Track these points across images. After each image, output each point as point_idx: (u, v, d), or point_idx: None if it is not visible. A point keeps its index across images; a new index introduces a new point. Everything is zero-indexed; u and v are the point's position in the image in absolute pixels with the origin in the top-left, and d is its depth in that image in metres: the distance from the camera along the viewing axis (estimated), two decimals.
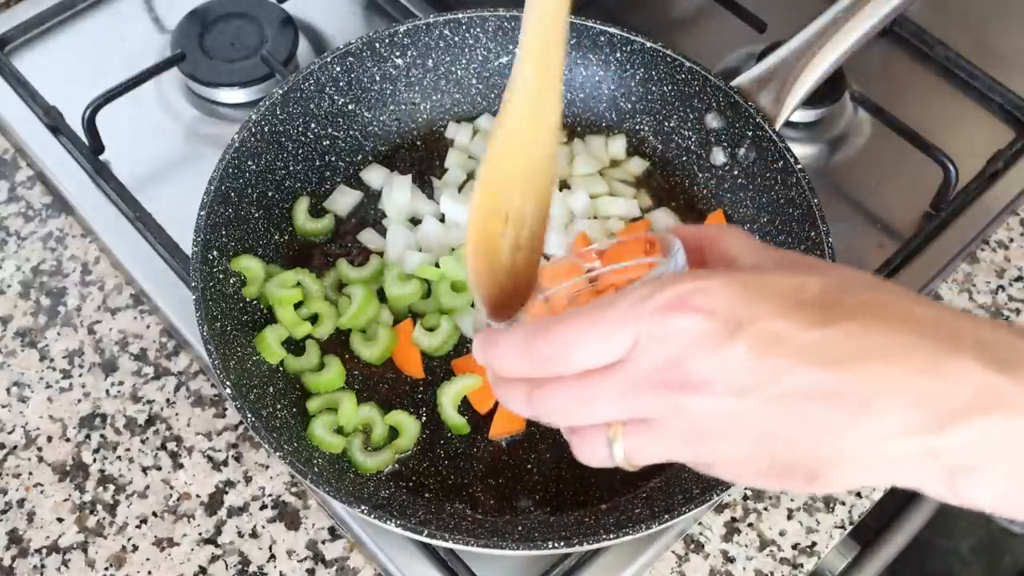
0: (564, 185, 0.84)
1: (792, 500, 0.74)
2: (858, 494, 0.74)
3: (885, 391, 0.41)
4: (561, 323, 0.46)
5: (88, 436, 0.75)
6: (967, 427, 0.41)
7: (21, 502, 0.72)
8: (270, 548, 0.71)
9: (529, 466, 0.72)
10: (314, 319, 0.76)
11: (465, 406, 0.74)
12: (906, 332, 0.42)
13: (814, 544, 0.72)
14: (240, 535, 0.71)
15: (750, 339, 0.42)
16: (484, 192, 0.52)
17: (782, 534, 0.73)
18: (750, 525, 0.73)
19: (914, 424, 0.41)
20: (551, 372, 0.46)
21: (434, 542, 0.63)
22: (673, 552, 0.72)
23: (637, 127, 0.86)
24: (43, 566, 0.70)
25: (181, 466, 0.74)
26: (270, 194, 0.79)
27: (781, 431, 0.43)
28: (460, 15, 0.83)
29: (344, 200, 0.82)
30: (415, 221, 0.82)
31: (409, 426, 0.72)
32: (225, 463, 0.74)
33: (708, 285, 0.43)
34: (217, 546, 0.71)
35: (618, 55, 0.84)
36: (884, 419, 0.41)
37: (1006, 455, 0.41)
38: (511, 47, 0.85)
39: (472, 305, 0.78)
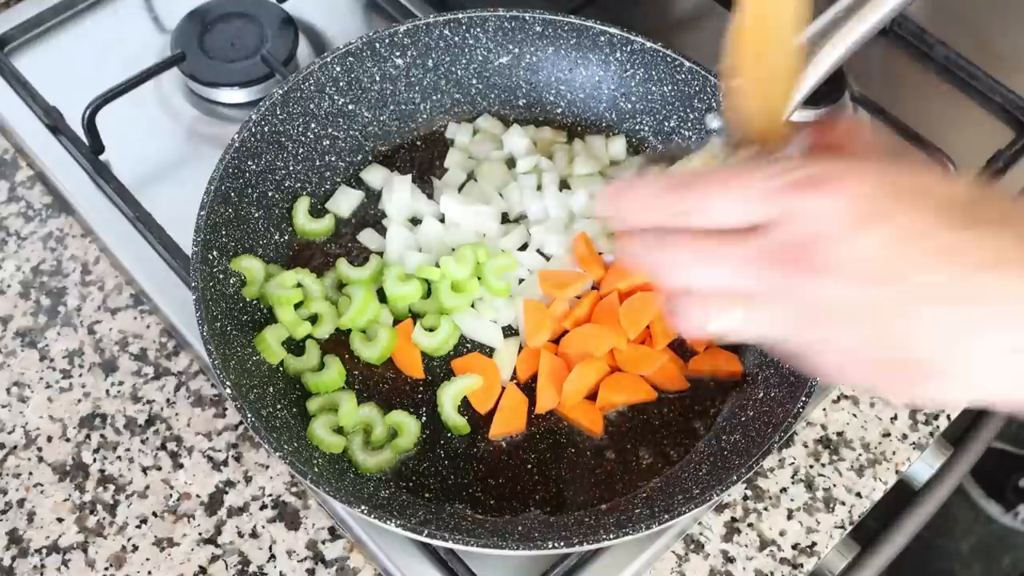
0: (564, 185, 0.84)
1: (792, 500, 0.74)
2: (858, 494, 0.74)
3: (1021, 300, 0.41)
4: (704, 179, 0.45)
5: (88, 436, 0.75)
6: None
7: (21, 502, 0.72)
8: (270, 548, 0.71)
9: (529, 466, 0.72)
10: (314, 319, 0.76)
11: (465, 406, 0.74)
12: None
13: (814, 544, 0.72)
14: (240, 535, 0.71)
15: (891, 229, 0.41)
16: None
17: (782, 534, 0.73)
18: (750, 525, 0.73)
19: None
20: (683, 224, 0.46)
21: (434, 542, 0.63)
22: (673, 552, 0.72)
23: (637, 127, 0.86)
24: (43, 566, 0.70)
25: (181, 466, 0.74)
26: (270, 194, 0.79)
27: (904, 328, 0.42)
28: (460, 15, 0.83)
29: (345, 200, 0.82)
30: (415, 221, 0.82)
31: (409, 426, 0.72)
32: (225, 463, 0.74)
33: (858, 169, 0.43)
34: (217, 546, 0.71)
35: (618, 55, 0.84)
36: (1016, 329, 0.41)
37: None
38: (511, 47, 0.85)
39: (472, 305, 0.78)
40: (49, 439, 0.75)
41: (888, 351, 0.43)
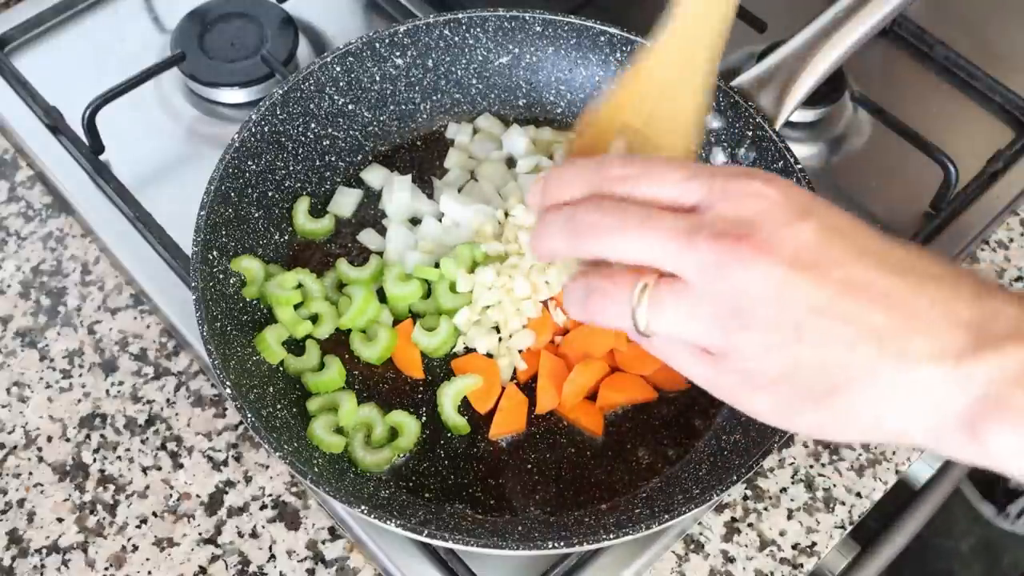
0: None
1: (792, 500, 0.74)
2: (858, 494, 0.74)
3: (932, 308, 0.42)
4: (642, 156, 0.50)
5: (88, 436, 0.75)
6: (1003, 353, 0.41)
7: (21, 502, 0.72)
8: (270, 548, 0.71)
9: (529, 466, 0.72)
10: (314, 319, 0.76)
11: (465, 406, 0.74)
12: (956, 267, 0.44)
13: (814, 544, 0.72)
14: (240, 535, 0.71)
15: (819, 223, 0.44)
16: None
17: (782, 534, 0.73)
18: (750, 525, 0.73)
19: (952, 346, 0.42)
20: (617, 189, 0.47)
21: (434, 542, 0.63)
22: (673, 552, 0.72)
23: None
24: (43, 566, 0.70)
25: (181, 466, 0.74)
26: (270, 194, 0.79)
27: (820, 328, 0.43)
28: (460, 15, 0.83)
29: (344, 200, 0.82)
30: (415, 221, 0.82)
31: (409, 426, 0.72)
32: (225, 463, 0.74)
33: (786, 180, 0.46)
34: (217, 546, 0.71)
35: (618, 55, 0.84)
36: (925, 336, 0.42)
37: None
38: (511, 47, 0.85)
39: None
40: (49, 439, 0.75)
41: (797, 359, 0.43)
